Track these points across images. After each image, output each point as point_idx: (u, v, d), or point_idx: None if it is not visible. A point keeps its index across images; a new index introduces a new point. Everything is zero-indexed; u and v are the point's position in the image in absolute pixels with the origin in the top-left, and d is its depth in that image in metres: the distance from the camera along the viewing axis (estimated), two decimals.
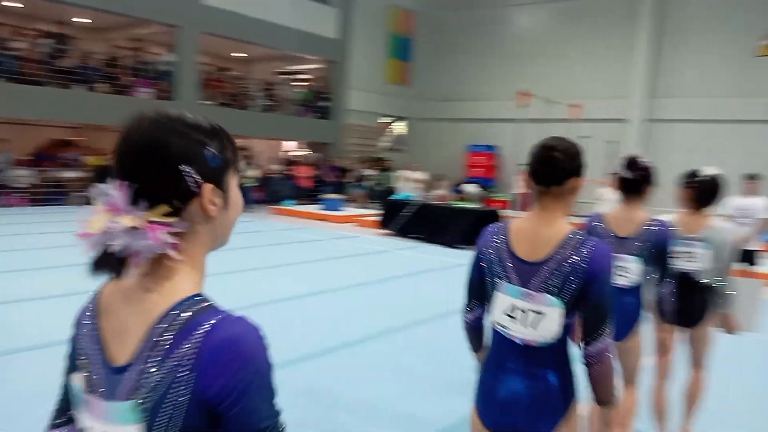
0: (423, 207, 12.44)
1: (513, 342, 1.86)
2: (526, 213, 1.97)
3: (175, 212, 0.91)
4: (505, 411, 1.86)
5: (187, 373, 0.86)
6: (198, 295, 0.93)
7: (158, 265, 0.93)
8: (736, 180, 7.94)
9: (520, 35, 21.56)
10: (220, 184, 0.96)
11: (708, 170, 3.31)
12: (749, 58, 17.57)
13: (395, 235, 12.35)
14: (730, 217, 7.69)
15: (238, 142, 10.74)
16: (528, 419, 1.83)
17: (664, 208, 3.00)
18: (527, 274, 1.83)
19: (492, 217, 12.23)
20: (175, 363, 0.87)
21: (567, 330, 1.82)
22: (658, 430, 3.38)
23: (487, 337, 1.99)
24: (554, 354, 1.83)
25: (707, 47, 18.13)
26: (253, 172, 16.59)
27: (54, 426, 1.06)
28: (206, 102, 17.01)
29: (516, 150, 12.18)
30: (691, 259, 3.17)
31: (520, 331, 1.83)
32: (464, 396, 3.88)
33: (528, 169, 1.93)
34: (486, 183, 20.86)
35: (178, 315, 0.90)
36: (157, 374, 0.88)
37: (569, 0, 20.39)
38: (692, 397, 3.44)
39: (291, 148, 21.93)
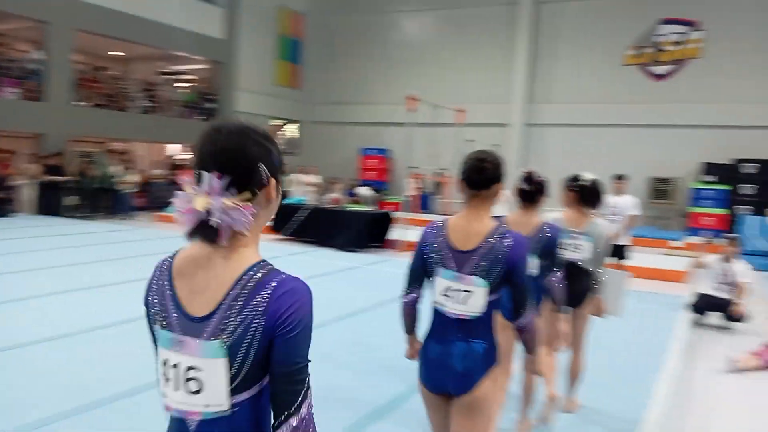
0: (316, 211, 12.33)
1: (448, 317, 2.28)
2: (463, 213, 2.36)
3: (251, 198, 1.23)
4: (442, 373, 2.27)
5: (259, 317, 1.17)
6: (263, 260, 1.26)
7: (233, 238, 1.23)
8: (606, 180, 8.52)
9: (409, 41, 22.01)
10: (278, 178, 1.29)
11: (587, 176, 3.79)
12: (617, 67, 18.99)
13: (288, 239, 12.14)
14: (603, 215, 8.23)
15: (115, 145, 10.16)
16: (461, 379, 2.25)
17: (546, 207, 3.28)
18: (461, 260, 2.26)
19: (385, 219, 12.35)
20: (251, 311, 1.18)
21: (492, 306, 2.26)
22: (521, 410, 3.64)
23: (421, 318, 2.43)
24: (481, 325, 2.26)
25: (579, 57, 19.40)
26: (132, 177, 15.68)
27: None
28: (80, 103, 15.90)
29: (406, 153, 12.37)
30: (576, 250, 3.65)
31: (454, 308, 2.26)
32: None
33: (461, 176, 2.36)
34: (379, 185, 21.08)
35: (252, 276, 1.21)
36: (237, 320, 1.18)
37: (454, 8, 21.09)
38: (574, 374, 3.96)
39: (175, 151, 21.01)
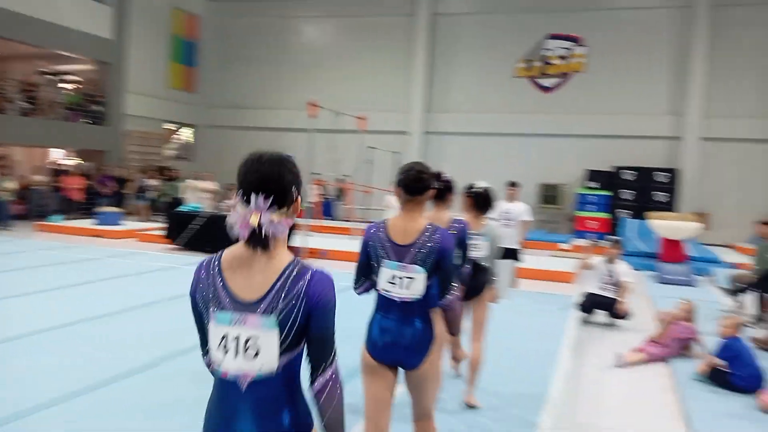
0: (213, 218, 11.92)
1: (393, 300, 2.73)
2: (401, 214, 2.81)
3: (286, 213, 1.62)
4: (389, 349, 2.71)
5: (301, 300, 1.59)
6: (296, 258, 1.65)
7: (273, 244, 1.62)
8: (500, 186, 8.85)
9: (309, 46, 21.90)
10: (300, 196, 1.69)
11: (481, 183, 4.28)
12: (509, 79, 19.88)
13: (183, 249, 11.65)
14: (497, 220, 8.54)
15: None
16: (406, 354, 2.71)
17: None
18: (401, 253, 2.71)
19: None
20: (294, 296, 1.58)
21: (428, 290, 2.70)
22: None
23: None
24: (421, 307, 2.72)
25: (474, 68, 20.14)
26: (10, 184, 14.46)
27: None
28: None
29: (309, 159, 12.26)
30: (475, 249, 4.04)
31: (398, 292, 2.71)
32: None
33: (401, 183, 2.81)
34: None
35: (291, 271, 1.61)
36: (283, 302, 1.58)
37: (353, 16, 21.23)
38: (475, 362, 4.23)
39: (59, 156, 19.64)
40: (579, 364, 5.75)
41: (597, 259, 7.57)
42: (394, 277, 2.71)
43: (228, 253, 1.68)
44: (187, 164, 21.78)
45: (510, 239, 8.39)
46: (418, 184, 2.79)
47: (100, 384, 4.27)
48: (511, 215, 8.48)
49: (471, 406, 4.24)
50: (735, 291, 8.03)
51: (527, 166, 18.72)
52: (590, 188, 18.51)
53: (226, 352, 1.60)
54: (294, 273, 1.61)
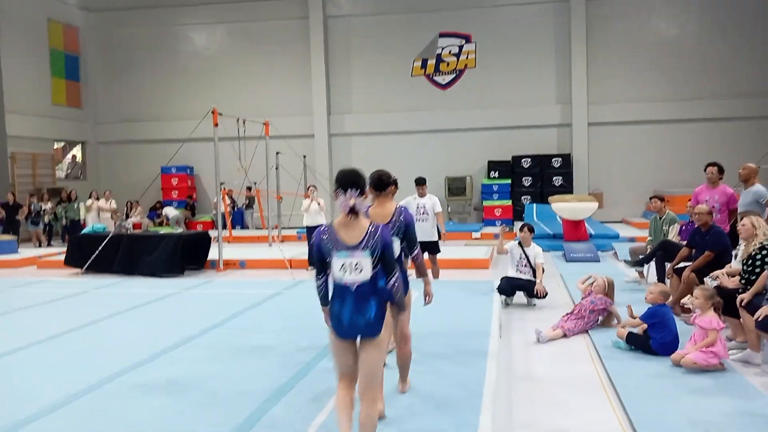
0: (118, 238, 11.38)
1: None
2: (375, 204, 4.22)
3: (364, 197, 3.34)
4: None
5: (380, 241, 3.24)
6: (372, 221, 3.36)
7: (359, 215, 3.27)
8: (410, 183, 9.06)
9: (203, 54, 21.30)
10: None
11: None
12: (407, 77, 20.31)
13: (88, 273, 11.04)
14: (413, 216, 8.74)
15: None
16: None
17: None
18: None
19: (202, 240, 11.79)
20: (375, 240, 3.23)
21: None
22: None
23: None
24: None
25: (371, 69, 20.41)
26: None
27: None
28: None
29: (214, 169, 11.96)
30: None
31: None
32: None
33: (370, 185, 3.98)
34: (183, 205, 20.11)
35: (373, 227, 3.28)
36: (371, 243, 3.23)
37: (245, 21, 20.87)
38: (404, 362, 4.33)
39: None
40: (505, 343, 6.05)
41: (511, 244, 7.95)
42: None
43: (336, 222, 3.32)
44: (81, 183, 20.59)
45: (428, 232, 8.65)
46: (382, 183, 4.17)
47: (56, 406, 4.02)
48: (425, 209, 8.75)
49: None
50: (635, 263, 8.70)
51: (433, 161, 19.24)
52: (493, 178, 19.30)
53: (345, 272, 3.23)
54: (373, 229, 3.28)
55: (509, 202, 19.00)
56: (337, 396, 3.35)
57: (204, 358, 5.43)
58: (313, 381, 4.70)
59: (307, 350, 5.51)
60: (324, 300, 3.42)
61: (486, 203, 19.13)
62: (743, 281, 5.44)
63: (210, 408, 4.21)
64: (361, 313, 3.25)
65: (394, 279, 3.32)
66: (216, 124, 11.70)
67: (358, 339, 3.33)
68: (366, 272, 3.24)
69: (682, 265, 7.12)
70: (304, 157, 16.66)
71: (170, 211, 18.75)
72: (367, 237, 3.26)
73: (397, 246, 3.69)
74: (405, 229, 4.05)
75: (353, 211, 3.21)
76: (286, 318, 6.91)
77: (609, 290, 6.44)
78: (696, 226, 6.90)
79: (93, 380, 4.84)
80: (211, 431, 3.83)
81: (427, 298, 4.27)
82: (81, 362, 5.42)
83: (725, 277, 5.81)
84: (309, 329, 6.29)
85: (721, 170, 7.49)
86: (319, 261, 3.37)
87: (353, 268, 3.23)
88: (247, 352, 5.59)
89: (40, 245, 16.17)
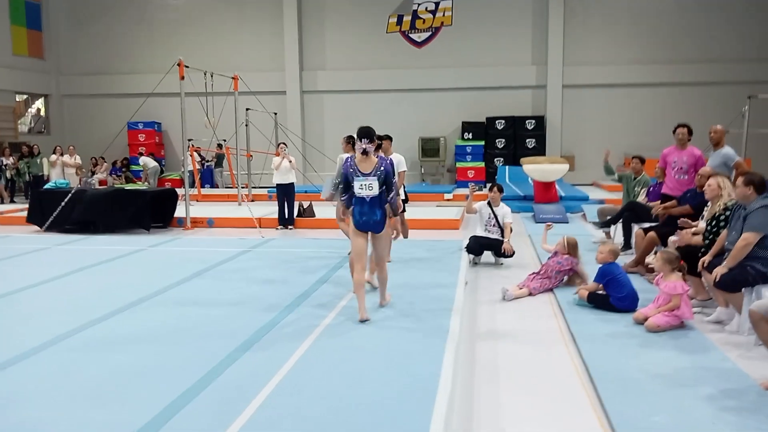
0: (81, 194, 11.08)
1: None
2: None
3: (376, 148, 5.20)
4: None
5: (382, 170, 5.03)
6: (381, 156, 5.21)
7: (369, 155, 5.04)
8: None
9: (171, 3, 20.57)
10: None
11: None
12: (382, 34, 19.93)
13: (51, 230, 10.77)
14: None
15: None
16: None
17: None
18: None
19: (168, 197, 11.55)
20: (381, 170, 5.02)
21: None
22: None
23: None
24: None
25: (345, 25, 19.97)
26: None
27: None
28: None
29: (182, 125, 11.65)
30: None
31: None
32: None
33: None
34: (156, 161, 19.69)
35: (378, 161, 5.05)
36: (378, 172, 5.01)
37: None
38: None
39: None
40: (472, 301, 6.09)
41: (479, 204, 7.94)
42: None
43: (356, 158, 5.02)
44: (44, 138, 19.99)
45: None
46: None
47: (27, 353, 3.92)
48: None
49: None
50: (603, 224, 8.78)
51: (406, 121, 19.07)
52: (466, 139, 19.23)
53: (362, 189, 4.96)
54: (379, 163, 5.00)
55: (482, 164, 18.99)
56: (354, 278, 5.15)
57: (169, 314, 5.35)
58: (275, 338, 4.66)
59: (273, 307, 5.46)
60: (348, 203, 5.18)
61: (459, 165, 19.10)
62: (707, 241, 5.51)
63: (178, 358, 4.16)
64: (372, 216, 5.08)
65: (391, 195, 5.14)
66: (182, 77, 11.34)
67: (369, 234, 5.14)
68: (375, 190, 5.03)
69: (647, 226, 7.20)
70: (275, 114, 16.35)
71: (149, 162, 18.29)
72: (375, 168, 5.03)
73: (376, 185, 5.03)
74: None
75: (365, 152, 4.99)
76: (253, 276, 6.84)
77: (571, 249, 6.47)
78: (693, 188, 6.87)
79: (52, 335, 4.73)
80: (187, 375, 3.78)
81: (394, 233, 5.98)
82: (41, 318, 5.31)
83: (686, 233, 5.87)
84: (276, 286, 6.25)
85: (690, 131, 7.51)
86: (345, 182, 5.12)
87: (367, 187, 5.02)
88: (213, 306, 5.52)
89: (2, 201, 15.74)
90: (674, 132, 7.60)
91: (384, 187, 5.04)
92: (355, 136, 5.13)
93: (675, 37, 18.71)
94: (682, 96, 18.68)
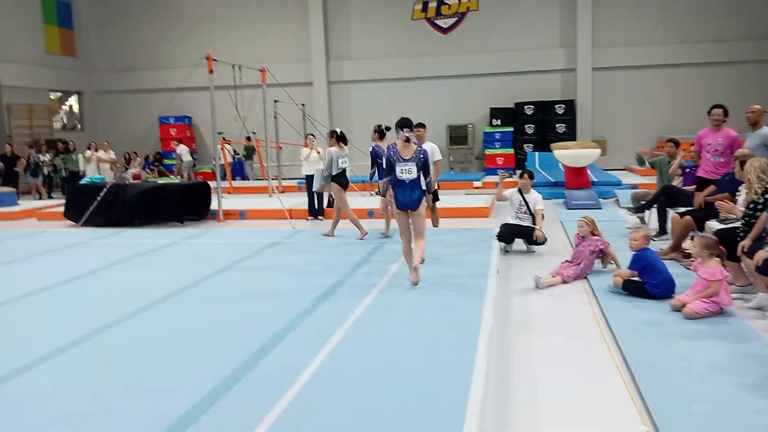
0: (117, 189, 11.30)
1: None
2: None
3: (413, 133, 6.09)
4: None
5: (420, 157, 5.83)
6: (419, 144, 6.05)
7: (410, 142, 5.84)
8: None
9: (197, 1, 20.75)
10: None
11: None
12: (407, 22, 19.80)
13: (87, 224, 11.02)
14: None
15: None
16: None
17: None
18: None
19: (201, 190, 11.71)
20: (419, 157, 5.82)
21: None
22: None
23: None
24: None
25: (370, 13, 19.88)
26: None
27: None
28: None
29: (212, 118, 11.76)
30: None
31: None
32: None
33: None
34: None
35: (418, 149, 5.87)
36: (417, 158, 5.81)
37: None
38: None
39: None
40: (504, 289, 6.04)
41: (510, 191, 7.86)
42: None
43: (398, 145, 5.80)
44: (78, 134, 20.42)
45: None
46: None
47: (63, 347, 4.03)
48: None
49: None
50: (637, 209, 8.62)
51: (434, 109, 18.95)
52: (495, 126, 19.04)
53: (403, 173, 5.77)
54: (418, 150, 5.82)
55: (511, 151, 18.80)
56: (403, 247, 5.98)
57: (205, 305, 5.43)
58: (310, 324, 4.70)
59: (308, 297, 5.49)
60: (391, 186, 5.95)
61: (488, 152, 18.94)
62: (745, 225, 5.37)
63: (214, 349, 4.22)
64: (411, 196, 5.82)
65: (428, 178, 5.90)
66: (211, 71, 11.45)
67: (409, 212, 5.88)
68: (414, 174, 5.78)
69: (683, 210, 7.05)
70: (303, 105, 16.40)
71: (184, 152, 18.60)
72: (415, 154, 5.81)
73: (415, 169, 5.80)
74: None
75: (407, 140, 5.77)
76: (287, 266, 6.90)
77: (594, 227, 6.38)
78: (731, 171, 6.66)
79: (89, 328, 4.84)
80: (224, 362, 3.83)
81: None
82: (79, 311, 5.44)
83: (730, 206, 5.63)
84: (310, 275, 6.29)
85: (726, 112, 7.30)
86: (389, 166, 5.87)
87: (407, 171, 5.77)
88: (248, 297, 5.59)
89: (40, 197, 16.15)
90: (709, 113, 7.39)
91: (421, 172, 5.79)
92: (395, 126, 5.88)
93: (708, 14, 18.19)
94: (716, 76, 18.18)
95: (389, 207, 7.26)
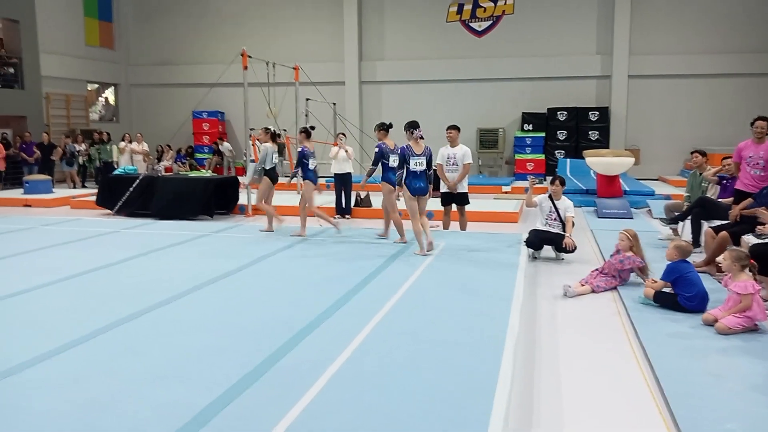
0: (149, 180, 11.48)
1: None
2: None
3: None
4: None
5: (428, 153, 7.54)
6: (426, 146, 7.63)
7: (419, 141, 7.59)
8: (441, 132, 8.91)
9: None
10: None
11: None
12: (441, 24, 19.75)
13: (119, 214, 11.21)
14: (442, 165, 8.62)
15: None
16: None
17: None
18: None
19: (230, 184, 11.84)
20: (427, 153, 7.54)
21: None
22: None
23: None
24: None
25: (404, 14, 19.88)
26: None
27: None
28: None
29: (245, 114, 11.88)
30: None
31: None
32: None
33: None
34: (212, 151, 20.17)
35: (426, 147, 7.52)
36: (425, 153, 7.52)
37: None
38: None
39: None
40: (531, 295, 5.97)
41: (540, 197, 7.78)
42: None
43: (411, 143, 7.46)
44: (113, 126, 20.80)
45: (458, 184, 8.53)
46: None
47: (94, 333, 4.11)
48: (455, 159, 8.59)
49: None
50: (670, 220, 8.45)
51: (464, 112, 18.88)
52: (526, 131, 18.87)
53: (416, 165, 7.41)
54: (426, 147, 7.49)
55: (542, 156, 18.63)
56: (414, 227, 7.22)
57: (232, 297, 5.48)
58: (335, 322, 4.70)
59: (332, 294, 5.51)
60: (404, 177, 7.40)
61: (518, 157, 18.80)
62: None
63: (241, 340, 4.25)
64: (420, 183, 7.38)
65: (431, 171, 7.54)
66: (245, 67, 11.56)
67: (419, 198, 7.37)
68: (423, 166, 7.35)
69: (718, 224, 6.89)
70: (334, 104, 16.47)
71: (226, 147, 18.95)
72: (424, 151, 7.36)
73: (424, 162, 7.45)
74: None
75: (421, 138, 7.35)
76: (312, 262, 6.93)
77: (635, 243, 6.19)
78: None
79: (119, 316, 4.92)
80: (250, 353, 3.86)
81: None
82: (109, 298, 5.53)
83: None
84: (335, 273, 6.30)
85: None
86: (403, 160, 7.38)
87: (419, 164, 7.33)
88: (274, 291, 5.63)
89: (74, 186, 16.48)
90: (752, 125, 7.20)
91: (428, 164, 7.47)
92: (405, 128, 7.48)
93: (748, 24, 17.79)
94: (754, 87, 17.78)
95: (392, 208, 7.99)
